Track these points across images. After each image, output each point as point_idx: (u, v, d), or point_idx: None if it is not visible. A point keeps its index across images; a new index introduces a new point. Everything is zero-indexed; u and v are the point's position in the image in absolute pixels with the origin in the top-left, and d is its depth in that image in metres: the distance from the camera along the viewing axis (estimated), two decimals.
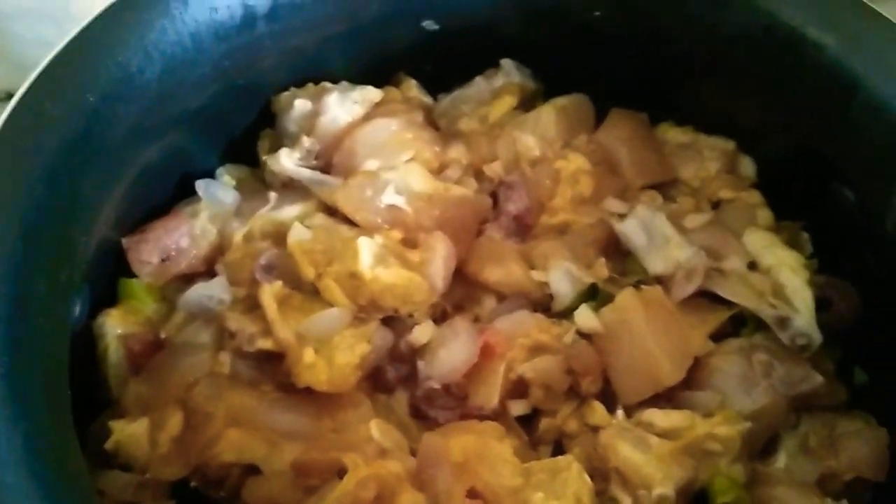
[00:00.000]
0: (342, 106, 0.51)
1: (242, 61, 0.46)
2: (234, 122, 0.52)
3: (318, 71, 0.52)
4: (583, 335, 0.45)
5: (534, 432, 0.45)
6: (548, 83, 0.55)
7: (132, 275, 0.48)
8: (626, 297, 0.45)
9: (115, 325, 0.46)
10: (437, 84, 0.55)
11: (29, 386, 0.32)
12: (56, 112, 0.36)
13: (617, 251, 0.49)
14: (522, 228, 0.50)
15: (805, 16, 0.43)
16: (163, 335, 0.47)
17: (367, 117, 0.51)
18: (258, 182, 0.53)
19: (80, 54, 0.38)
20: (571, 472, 0.40)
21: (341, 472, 0.40)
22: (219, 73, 0.45)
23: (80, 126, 0.37)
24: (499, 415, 0.43)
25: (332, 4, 0.47)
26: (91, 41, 0.39)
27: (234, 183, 0.52)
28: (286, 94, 0.52)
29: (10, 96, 0.91)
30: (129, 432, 0.43)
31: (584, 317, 0.45)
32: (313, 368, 0.44)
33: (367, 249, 0.45)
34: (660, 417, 0.43)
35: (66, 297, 0.37)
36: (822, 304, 0.46)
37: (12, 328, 0.32)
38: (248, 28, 0.44)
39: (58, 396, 0.34)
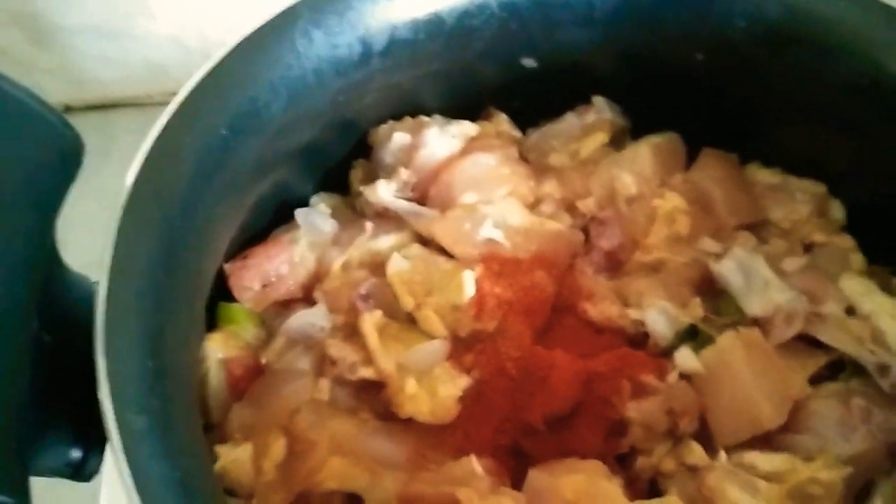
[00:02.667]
0: (440, 140, 0.52)
1: (353, 96, 0.47)
2: (332, 153, 0.53)
3: (413, 104, 0.53)
4: (682, 375, 0.46)
5: (629, 470, 0.45)
6: (635, 120, 0.56)
7: (231, 299, 0.49)
8: (727, 339, 0.45)
9: (216, 350, 0.46)
10: (525, 119, 0.56)
11: (177, 420, 0.33)
12: (193, 145, 0.37)
13: (710, 291, 0.50)
14: (614, 264, 0.51)
15: None
16: (263, 360, 0.48)
17: (463, 151, 0.52)
18: (351, 211, 0.54)
19: (213, 89, 0.39)
20: None
21: None
22: (332, 107, 0.46)
23: (214, 159, 0.38)
24: (601, 453, 0.44)
25: (442, 41, 0.48)
26: (223, 76, 0.40)
27: (329, 212, 0.53)
28: (385, 126, 0.53)
29: (68, 109, 0.93)
30: (234, 457, 0.43)
31: (686, 358, 0.45)
32: (416, 399, 0.44)
33: (471, 282, 0.46)
34: (762, 460, 0.43)
35: (199, 325, 0.38)
36: None
37: (159, 362, 0.33)
38: (365, 64, 0.45)
39: (197, 427, 0.35)
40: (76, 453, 0.36)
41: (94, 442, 0.36)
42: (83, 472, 0.37)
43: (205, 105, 0.39)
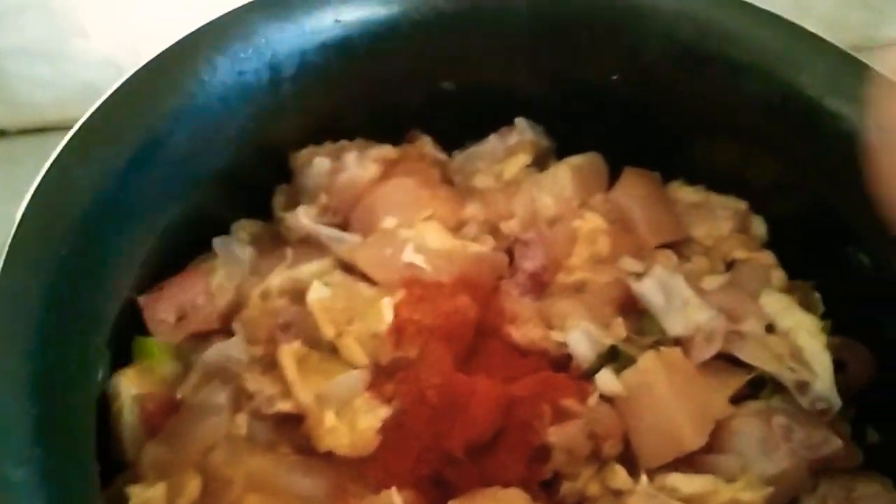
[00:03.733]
0: (361, 164, 0.51)
1: (266, 121, 0.46)
2: (251, 179, 0.52)
3: (333, 128, 0.52)
4: (603, 398, 0.45)
5: (554, 496, 0.45)
6: (559, 141, 0.56)
7: (146, 333, 0.47)
8: (648, 361, 0.45)
9: (130, 386, 0.45)
10: (451, 140, 0.56)
11: (63, 466, 0.31)
12: (86, 176, 0.36)
13: (633, 310, 0.49)
14: (538, 286, 0.50)
15: (823, 86, 0.44)
16: (178, 396, 0.46)
17: (384, 175, 0.52)
18: (272, 237, 0.53)
19: (109, 119, 0.38)
20: None
21: None
22: (243, 134, 0.45)
23: (109, 190, 0.37)
24: (525, 480, 0.43)
25: (356, 67, 0.47)
26: (120, 105, 0.38)
27: (249, 238, 0.52)
28: (305, 151, 0.52)
29: (2, 133, 0.91)
30: (146, 497, 0.42)
31: (607, 380, 0.45)
32: (335, 432, 0.43)
33: (389, 309, 0.45)
34: (683, 482, 0.43)
35: (94, 365, 0.37)
36: (836, 366, 0.47)
37: (44, 407, 0.31)
38: (275, 90, 0.44)
39: (87, 470, 0.33)
40: None
41: None
42: None
43: (101, 135, 0.37)
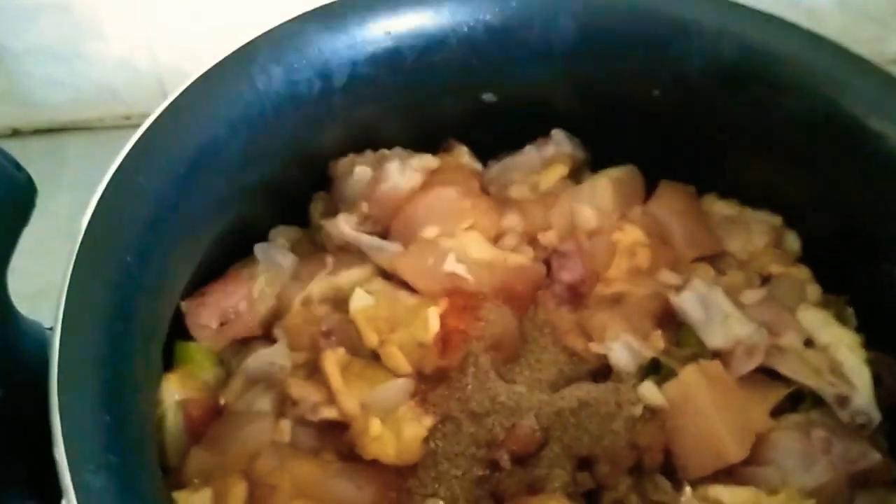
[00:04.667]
0: (402, 173, 0.51)
1: (314, 131, 0.46)
2: (292, 186, 0.52)
3: (374, 137, 0.53)
4: (645, 409, 0.46)
5: None
6: (595, 153, 0.57)
7: (188, 337, 0.47)
8: (690, 373, 0.45)
9: (173, 391, 0.45)
10: (485, 151, 0.56)
11: (135, 471, 0.31)
12: (150, 185, 0.36)
13: (670, 323, 0.50)
14: (576, 297, 0.51)
15: (867, 105, 0.45)
16: (222, 401, 0.46)
17: (425, 185, 0.52)
18: (311, 244, 0.53)
19: (171, 127, 0.38)
20: None
21: None
22: (293, 143, 0.45)
23: (173, 199, 0.37)
24: (568, 490, 0.43)
25: (402, 77, 0.47)
26: (180, 112, 0.39)
27: (288, 245, 0.52)
28: (345, 160, 0.52)
29: (16, 133, 0.91)
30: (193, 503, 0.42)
31: (650, 392, 0.45)
32: (381, 441, 0.43)
33: (436, 318, 0.45)
34: (726, 494, 0.43)
35: (155, 372, 0.37)
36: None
37: (115, 415, 0.31)
38: (325, 100, 0.44)
39: (156, 475, 0.33)
40: None
41: (51, 498, 0.34)
42: None
43: (162, 144, 0.38)
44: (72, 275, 0.33)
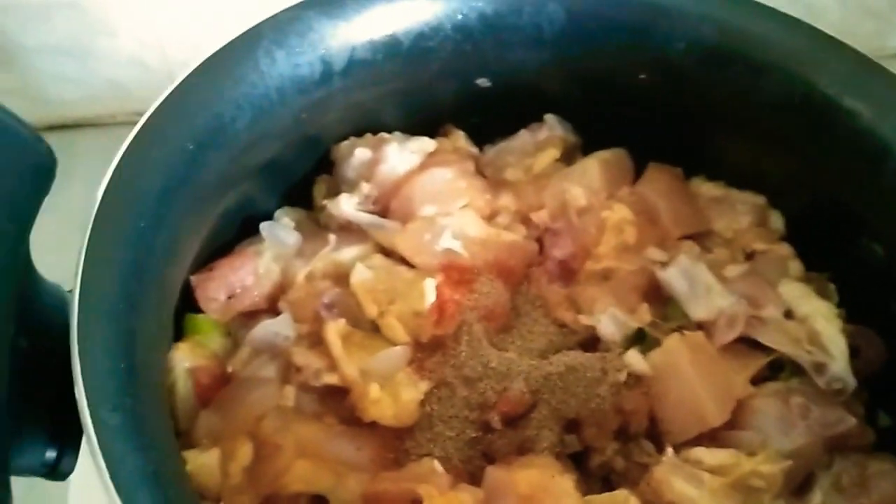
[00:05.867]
0: (400, 155, 0.54)
1: (316, 113, 0.49)
2: (295, 169, 0.55)
3: (373, 121, 0.55)
4: (630, 376, 0.48)
5: (584, 468, 0.47)
6: (585, 137, 0.59)
7: (197, 310, 0.50)
8: (672, 342, 0.48)
9: (183, 359, 0.47)
10: (481, 136, 0.59)
11: (148, 414, 0.34)
12: (160, 158, 0.39)
13: (657, 297, 0.52)
14: (567, 273, 0.53)
15: (841, 85, 0.47)
16: (229, 369, 0.49)
17: (422, 166, 0.55)
18: (314, 224, 0.55)
19: (179, 105, 0.41)
20: None
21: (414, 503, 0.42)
22: (295, 125, 0.48)
23: (182, 172, 0.40)
24: (555, 451, 0.46)
25: (399, 62, 0.50)
26: (189, 93, 0.41)
27: (293, 225, 0.54)
28: (346, 143, 0.55)
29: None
30: (201, 462, 0.44)
31: (634, 360, 0.48)
32: (379, 404, 0.46)
33: (432, 290, 0.48)
34: (707, 455, 0.45)
35: (166, 333, 0.39)
36: (850, 352, 0.50)
37: (130, 362, 0.34)
38: (326, 83, 0.47)
39: (168, 425, 0.36)
40: (51, 453, 0.37)
41: (69, 442, 0.37)
42: (58, 471, 0.38)
43: (171, 121, 0.40)
44: (90, 236, 0.36)
